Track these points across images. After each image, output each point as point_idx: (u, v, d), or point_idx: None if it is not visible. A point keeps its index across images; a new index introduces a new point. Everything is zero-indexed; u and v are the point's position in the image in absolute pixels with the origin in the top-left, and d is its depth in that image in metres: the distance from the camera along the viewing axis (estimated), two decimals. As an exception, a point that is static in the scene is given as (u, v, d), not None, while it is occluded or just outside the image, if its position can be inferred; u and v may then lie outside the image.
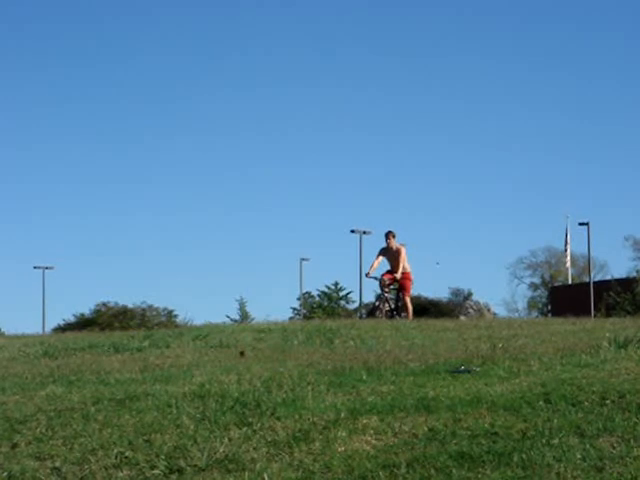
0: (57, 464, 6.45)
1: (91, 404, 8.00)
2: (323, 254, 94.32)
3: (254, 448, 6.62)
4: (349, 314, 57.22)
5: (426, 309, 35.75)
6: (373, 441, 6.62)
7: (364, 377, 8.59)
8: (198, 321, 33.90)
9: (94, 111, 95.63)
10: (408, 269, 23.65)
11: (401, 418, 7.03)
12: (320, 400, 7.69)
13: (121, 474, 6.31)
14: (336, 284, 67.69)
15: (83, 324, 43.47)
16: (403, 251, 23.59)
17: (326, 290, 67.57)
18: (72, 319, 50.51)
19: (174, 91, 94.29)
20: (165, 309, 56.67)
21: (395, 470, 6.02)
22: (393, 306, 23.86)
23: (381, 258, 23.77)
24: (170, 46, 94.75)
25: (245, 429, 7.02)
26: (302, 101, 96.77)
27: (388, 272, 23.51)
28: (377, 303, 24.44)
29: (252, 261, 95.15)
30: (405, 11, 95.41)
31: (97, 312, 51.27)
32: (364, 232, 57.94)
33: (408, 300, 24.03)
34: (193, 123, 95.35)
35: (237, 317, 60.24)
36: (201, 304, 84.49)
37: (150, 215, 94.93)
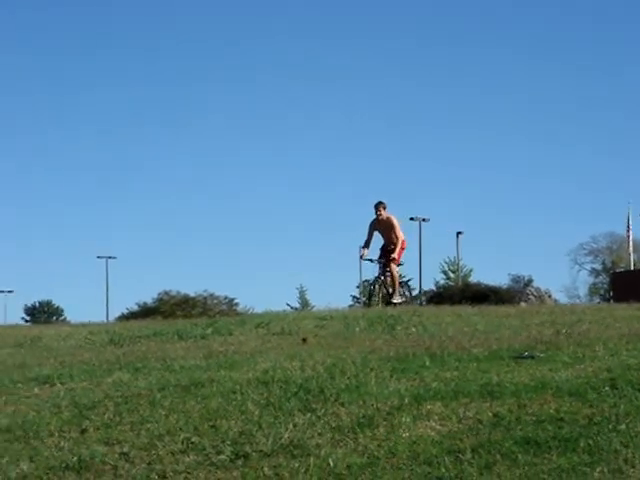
0: (125, 449, 6.53)
1: (157, 390, 8.10)
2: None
3: (319, 434, 6.65)
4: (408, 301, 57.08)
5: (486, 296, 35.44)
6: (437, 427, 6.62)
7: (427, 363, 8.58)
8: (258, 309, 34.07)
9: (152, 98, 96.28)
10: (402, 237, 22.13)
11: (465, 404, 7.01)
12: (384, 386, 7.70)
13: (188, 459, 6.38)
14: (396, 271, 67.57)
15: (146, 312, 43.82)
16: (395, 220, 21.96)
17: (385, 277, 67.47)
18: (135, 308, 51.00)
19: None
20: (226, 297, 57.00)
21: (460, 456, 6.01)
22: (391, 291, 22.10)
23: (374, 233, 22.02)
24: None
25: (309, 415, 7.06)
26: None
27: (384, 249, 21.84)
28: (374, 287, 22.40)
29: (311, 249, 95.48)
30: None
31: (159, 301, 51.69)
32: (423, 219, 57.82)
33: (395, 269, 22.16)
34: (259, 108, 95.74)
35: (297, 305, 60.46)
36: (261, 292, 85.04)
37: (210, 203, 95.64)
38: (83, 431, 7.00)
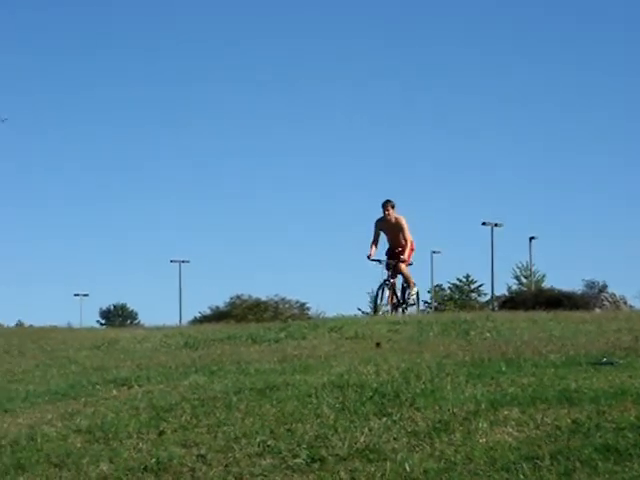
0: (202, 451, 6.59)
1: (233, 393, 8.15)
2: (454, 247, 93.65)
3: (394, 438, 6.63)
4: (481, 307, 56.69)
5: (560, 301, 35.01)
6: (515, 433, 6.56)
7: (503, 368, 8.50)
8: (330, 313, 34.09)
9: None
10: (411, 239, 20.12)
11: (543, 410, 6.93)
12: (459, 391, 7.65)
13: (264, 462, 6.41)
14: (467, 276, 67.19)
15: (219, 316, 44.25)
16: (404, 221, 20.12)
17: (457, 282, 67.13)
18: (208, 311, 51.56)
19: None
20: (297, 301, 57.31)
21: (538, 462, 5.94)
22: (400, 297, 20.08)
23: (380, 233, 20.14)
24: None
25: (385, 419, 7.04)
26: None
27: (390, 252, 19.96)
28: (382, 291, 20.07)
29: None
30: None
31: (232, 304, 52.21)
32: (495, 224, 57.37)
33: (404, 268, 20.06)
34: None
35: (368, 310, 60.39)
36: (332, 297, 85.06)
37: (280, 209, 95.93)
38: (161, 433, 7.07)
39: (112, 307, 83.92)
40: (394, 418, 7.05)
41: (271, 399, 7.88)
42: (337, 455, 6.43)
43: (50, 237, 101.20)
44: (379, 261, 20.16)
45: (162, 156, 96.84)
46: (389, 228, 20.05)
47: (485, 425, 6.70)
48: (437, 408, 7.17)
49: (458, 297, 65.95)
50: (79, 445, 6.69)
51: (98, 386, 8.56)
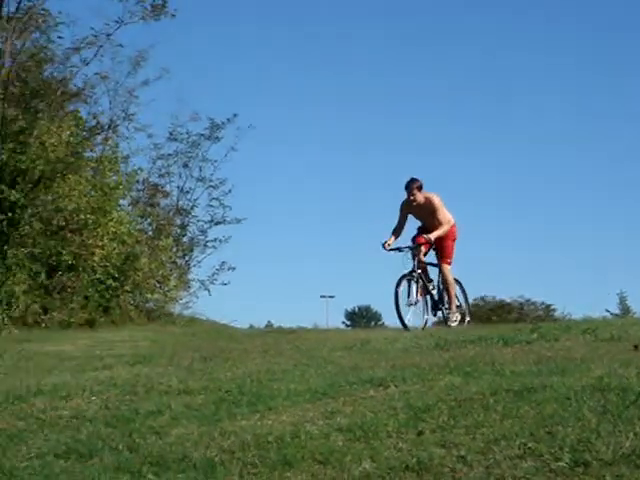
0: (462, 452, 6.57)
1: (489, 395, 8.09)
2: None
3: (661, 444, 6.38)
4: None
5: None
6: None
7: None
8: (576, 315, 33.22)
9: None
10: (448, 217, 16.62)
11: None
12: None
13: (526, 465, 6.32)
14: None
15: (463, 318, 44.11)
16: (436, 199, 16.55)
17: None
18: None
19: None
20: (542, 303, 56.25)
21: None
22: (436, 296, 16.73)
23: (408, 217, 16.79)
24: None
25: (650, 424, 6.78)
26: None
27: (420, 233, 16.72)
28: (408, 287, 16.10)
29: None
30: None
31: (475, 306, 51.97)
32: None
33: (447, 269, 16.54)
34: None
35: (617, 311, 58.35)
36: (576, 298, 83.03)
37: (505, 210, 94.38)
38: (419, 433, 7.11)
39: (357, 309, 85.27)
40: (661, 423, 6.78)
41: (529, 401, 7.76)
42: (602, 460, 6.25)
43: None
44: (399, 249, 16.62)
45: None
46: (418, 211, 16.91)
47: None
48: None
49: None
50: (341, 443, 6.82)
51: (355, 386, 8.71)
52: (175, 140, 41.77)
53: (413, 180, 16.74)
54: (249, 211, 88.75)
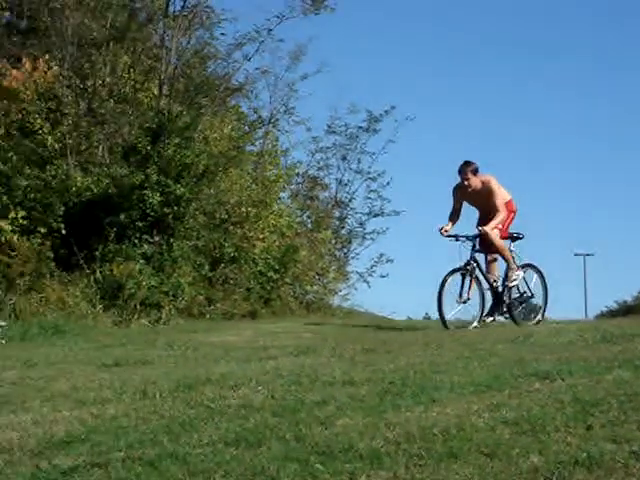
0: (634, 448, 6.42)
1: (659, 390, 7.86)
2: None
3: None
4: None
5: None
6: None
7: None
8: None
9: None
10: (508, 199, 15.27)
11: None
12: None
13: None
14: None
15: (626, 311, 42.98)
16: (493, 183, 15.16)
17: None
18: (614, 305, 50.25)
19: None
20: None
21: None
22: (506, 296, 15.28)
23: (463, 203, 15.45)
24: None
25: None
26: None
27: (479, 224, 15.34)
28: (449, 279, 14.63)
29: None
30: None
31: (638, 299, 50.57)
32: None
33: (493, 233, 14.82)
34: None
35: None
36: None
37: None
38: (588, 427, 6.98)
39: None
40: None
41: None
42: None
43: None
44: (456, 237, 15.24)
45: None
46: (473, 197, 15.48)
47: None
48: None
49: None
50: (507, 436, 6.76)
51: (520, 379, 8.60)
52: (333, 133, 42.28)
53: (467, 163, 15.46)
54: (407, 203, 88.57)
